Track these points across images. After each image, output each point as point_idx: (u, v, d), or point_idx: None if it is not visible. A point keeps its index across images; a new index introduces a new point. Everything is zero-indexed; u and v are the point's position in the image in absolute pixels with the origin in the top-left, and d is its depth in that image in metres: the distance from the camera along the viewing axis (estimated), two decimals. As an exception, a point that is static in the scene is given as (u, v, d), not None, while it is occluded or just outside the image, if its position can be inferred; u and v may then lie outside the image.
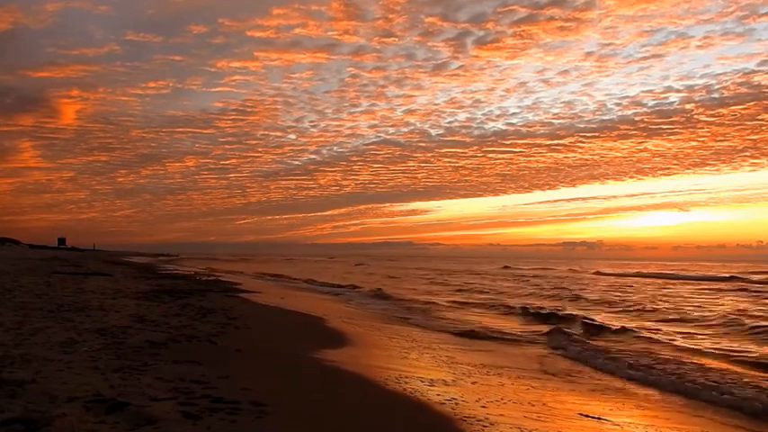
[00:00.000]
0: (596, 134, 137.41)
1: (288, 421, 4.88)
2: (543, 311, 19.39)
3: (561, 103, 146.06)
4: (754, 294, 28.91)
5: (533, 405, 6.90)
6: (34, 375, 5.64)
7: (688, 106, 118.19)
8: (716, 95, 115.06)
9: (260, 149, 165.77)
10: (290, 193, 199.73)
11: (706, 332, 15.36)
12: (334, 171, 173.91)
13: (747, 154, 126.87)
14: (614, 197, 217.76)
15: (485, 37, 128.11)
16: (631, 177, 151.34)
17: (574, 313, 18.95)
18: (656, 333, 14.70)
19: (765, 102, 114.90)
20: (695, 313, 19.32)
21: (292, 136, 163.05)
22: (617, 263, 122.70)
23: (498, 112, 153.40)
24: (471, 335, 14.21)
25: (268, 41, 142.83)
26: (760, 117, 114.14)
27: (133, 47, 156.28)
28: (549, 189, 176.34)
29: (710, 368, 10.24)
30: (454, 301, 23.96)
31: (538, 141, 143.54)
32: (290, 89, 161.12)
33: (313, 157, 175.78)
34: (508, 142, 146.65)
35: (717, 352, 11.96)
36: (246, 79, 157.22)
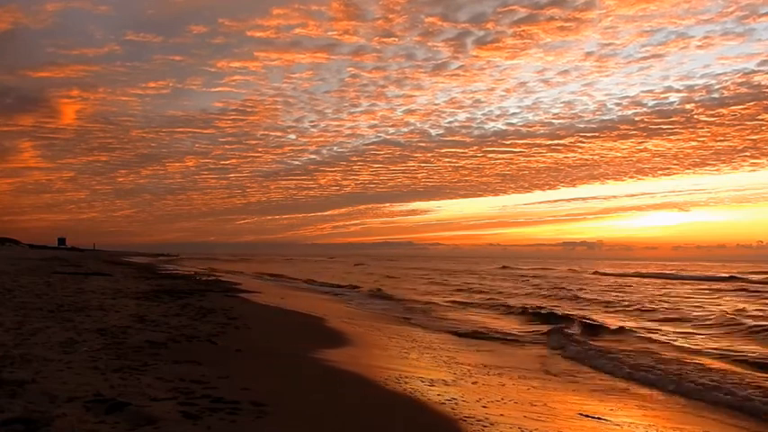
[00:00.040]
0: (596, 134, 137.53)
1: (288, 421, 4.88)
2: (542, 311, 19.40)
3: (561, 103, 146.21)
4: (754, 294, 28.93)
5: (533, 405, 6.90)
6: (34, 375, 5.64)
7: (688, 106, 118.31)
8: (716, 95, 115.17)
9: (260, 149, 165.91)
10: (290, 193, 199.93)
11: (705, 332, 15.38)
12: (334, 171, 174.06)
13: (747, 154, 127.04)
14: (614, 197, 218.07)
15: (485, 37, 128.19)
16: (631, 177, 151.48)
17: (572, 313, 18.95)
18: (654, 333, 14.71)
19: (765, 102, 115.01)
20: (694, 313, 19.34)
21: (292, 136, 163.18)
22: (617, 263, 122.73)
23: (498, 112, 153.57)
24: (471, 335, 14.22)
25: (268, 41, 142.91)
26: (760, 117, 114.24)
27: (133, 47, 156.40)
28: (549, 189, 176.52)
29: (710, 368, 10.25)
30: (453, 301, 23.98)
31: (538, 141, 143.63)
32: (290, 89, 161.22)
33: (313, 157, 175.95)
34: (508, 142, 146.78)
35: (716, 352, 11.98)
36: (246, 79, 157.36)
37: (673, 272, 59.84)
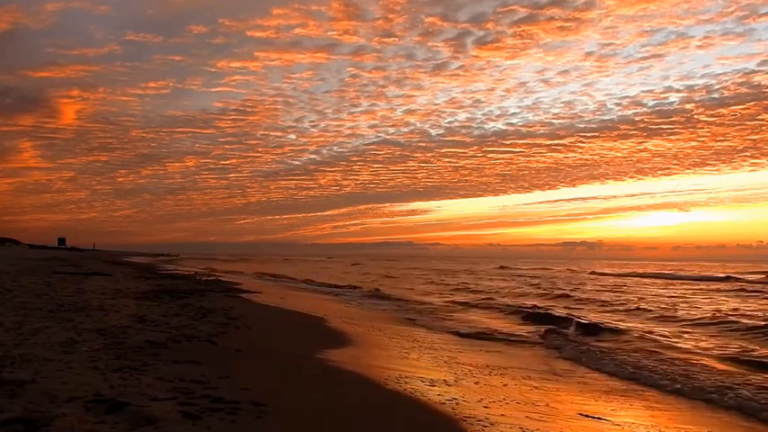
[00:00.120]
0: (596, 134, 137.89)
1: (288, 421, 4.88)
2: (540, 312, 19.39)
3: (561, 103, 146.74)
4: (750, 294, 28.95)
5: (533, 405, 6.90)
6: (34, 375, 5.64)
7: (688, 106, 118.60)
8: (716, 95, 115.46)
9: (260, 149, 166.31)
10: (290, 193, 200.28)
11: (701, 332, 15.39)
12: (334, 171, 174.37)
13: (747, 154, 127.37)
14: (614, 197, 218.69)
15: (485, 37, 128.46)
16: (631, 177, 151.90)
17: (570, 313, 18.95)
18: (652, 333, 14.71)
19: (765, 102, 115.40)
20: (690, 313, 19.35)
21: (292, 136, 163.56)
22: (616, 263, 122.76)
23: (498, 112, 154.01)
24: (470, 335, 14.22)
25: (268, 41, 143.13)
26: (760, 117, 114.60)
27: (133, 47, 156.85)
28: (549, 189, 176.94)
29: (709, 368, 10.25)
30: (451, 301, 24.00)
31: (538, 141, 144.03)
32: (290, 89, 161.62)
33: (313, 157, 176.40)
34: (508, 142, 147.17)
35: (714, 352, 11.98)
36: (246, 79, 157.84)
37: (670, 272, 59.83)
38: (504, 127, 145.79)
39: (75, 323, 9.68)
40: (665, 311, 20.08)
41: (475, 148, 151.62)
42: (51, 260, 47.24)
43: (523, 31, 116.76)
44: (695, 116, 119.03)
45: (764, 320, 16.51)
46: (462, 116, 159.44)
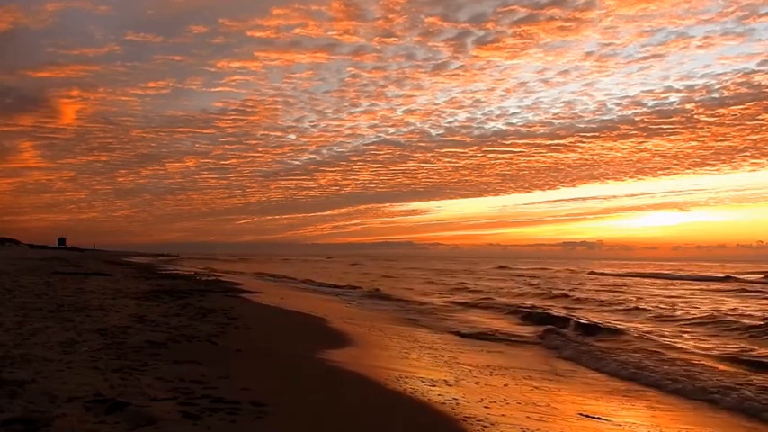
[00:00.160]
0: (596, 134, 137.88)
1: (288, 421, 4.88)
2: (539, 312, 19.37)
3: (561, 103, 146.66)
4: (751, 294, 28.95)
5: (533, 405, 6.90)
6: (34, 375, 5.64)
7: (688, 106, 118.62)
8: (716, 95, 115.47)
9: (260, 149, 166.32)
10: (290, 193, 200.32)
11: (701, 332, 15.38)
12: (334, 171, 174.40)
13: (747, 154, 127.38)
14: (614, 197, 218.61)
15: (485, 37, 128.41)
16: (631, 177, 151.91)
17: (569, 313, 18.95)
18: (651, 333, 14.72)
19: (765, 102, 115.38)
20: (690, 313, 19.34)
21: (292, 136, 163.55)
22: (616, 263, 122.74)
23: (498, 112, 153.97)
24: (470, 335, 14.22)
25: (268, 41, 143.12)
26: (760, 117, 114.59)
27: (133, 47, 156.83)
28: (549, 189, 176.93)
29: (709, 368, 10.25)
30: (450, 301, 23.99)
31: (538, 141, 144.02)
32: (290, 89, 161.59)
33: (313, 157, 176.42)
34: (508, 142, 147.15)
35: (714, 352, 11.97)
36: (246, 79, 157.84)
37: (670, 272, 59.80)
38: (504, 127, 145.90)
39: (75, 323, 9.68)
40: (665, 311, 20.08)
41: (475, 148, 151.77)
42: (51, 260, 47.24)
43: (523, 31, 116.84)
44: (695, 116, 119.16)
45: (764, 320, 16.50)
46: (462, 116, 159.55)
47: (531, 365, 10.47)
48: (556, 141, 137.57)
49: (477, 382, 8.07)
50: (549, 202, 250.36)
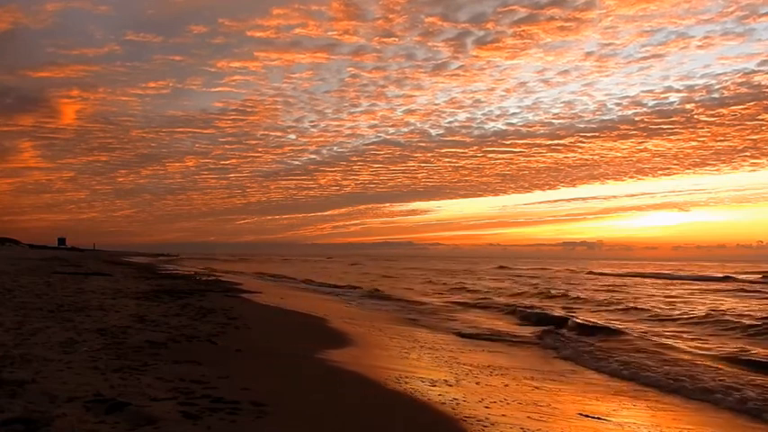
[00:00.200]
0: (596, 134, 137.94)
1: (288, 421, 4.88)
2: (538, 312, 19.37)
3: (561, 103, 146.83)
4: (749, 294, 28.96)
5: (534, 405, 6.90)
6: (34, 375, 5.64)
7: (688, 106, 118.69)
8: (716, 95, 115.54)
9: (260, 149, 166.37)
10: (290, 193, 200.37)
11: (700, 332, 15.39)
12: (334, 171, 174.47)
13: (747, 154, 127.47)
14: (614, 197, 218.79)
15: (485, 37, 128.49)
16: (631, 177, 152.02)
17: (568, 313, 18.97)
18: (650, 333, 14.74)
19: (765, 102, 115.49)
20: (689, 313, 19.33)
21: (292, 136, 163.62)
22: (616, 263, 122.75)
23: (498, 112, 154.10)
24: (469, 335, 14.23)
25: (268, 41, 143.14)
26: (760, 117, 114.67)
27: (133, 47, 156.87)
28: (549, 189, 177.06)
29: (709, 368, 10.25)
30: (450, 302, 24.00)
31: (538, 141, 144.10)
32: (290, 89, 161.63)
33: (313, 157, 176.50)
34: (508, 142, 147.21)
35: (713, 352, 11.97)
36: (246, 79, 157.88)
37: (669, 272, 59.80)
38: (504, 127, 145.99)
39: (75, 323, 9.68)
40: (663, 311, 20.09)
41: (475, 148, 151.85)
42: (51, 260, 47.24)
43: (523, 31, 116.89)
44: (695, 116, 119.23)
45: (762, 320, 16.51)
46: (462, 116, 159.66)
47: (531, 365, 10.47)
48: (556, 141, 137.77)
49: (477, 383, 8.07)
50: (549, 202, 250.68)
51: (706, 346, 12.92)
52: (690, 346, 12.65)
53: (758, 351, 12.01)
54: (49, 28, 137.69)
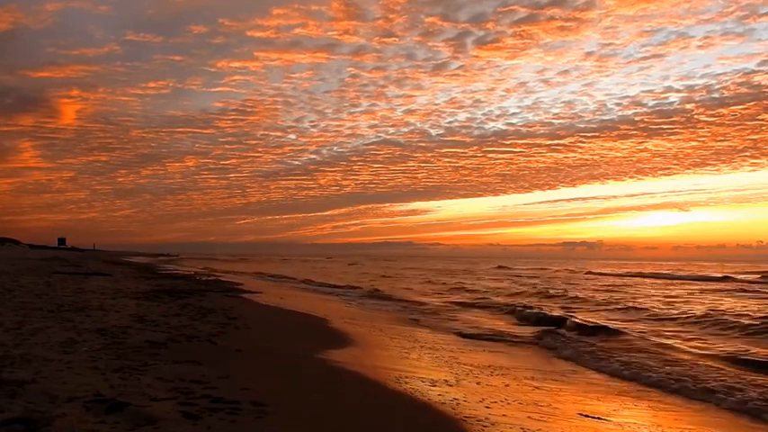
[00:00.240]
0: (596, 134, 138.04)
1: (288, 421, 4.88)
2: (537, 312, 19.34)
3: (561, 103, 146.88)
4: (747, 294, 28.96)
5: (534, 405, 6.90)
6: (34, 375, 5.64)
7: (688, 106, 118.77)
8: (716, 95, 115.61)
9: (260, 149, 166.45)
10: (290, 193, 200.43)
11: (699, 332, 15.38)
12: (334, 171, 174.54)
13: (747, 154, 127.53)
14: (614, 197, 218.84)
15: (485, 37, 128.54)
16: (631, 177, 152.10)
17: (567, 313, 18.96)
18: (648, 333, 14.74)
19: (765, 102, 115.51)
20: (687, 313, 19.31)
21: (292, 136, 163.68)
22: (615, 263, 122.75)
23: (498, 112, 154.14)
24: (469, 335, 14.23)
25: (268, 41, 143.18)
26: (760, 117, 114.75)
27: (133, 47, 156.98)
28: (549, 189, 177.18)
29: (708, 368, 10.25)
30: (449, 302, 24.01)
31: (538, 141, 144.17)
32: (290, 89, 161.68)
33: (313, 157, 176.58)
34: (508, 142, 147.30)
35: (712, 352, 11.97)
36: (246, 79, 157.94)
37: (667, 272, 59.80)
38: (504, 127, 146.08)
39: (75, 323, 9.68)
40: (662, 311, 20.07)
41: (475, 148, 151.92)
42: (51, 260, 47.23)
43: (523, 31, 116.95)
44: (695, 116, 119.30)
45: (762, 320, 16.51)
46: (462, 116, 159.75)
47: (532, 365, 10.47)
48: (556, 141, 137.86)
49: (478, 383, 8.07)
50: (549, 202, 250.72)
51: (706, 346, 12.92)
52: (690, 347, 12.64)
53: (758, 351, 12.01)
54: (49, 28, 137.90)
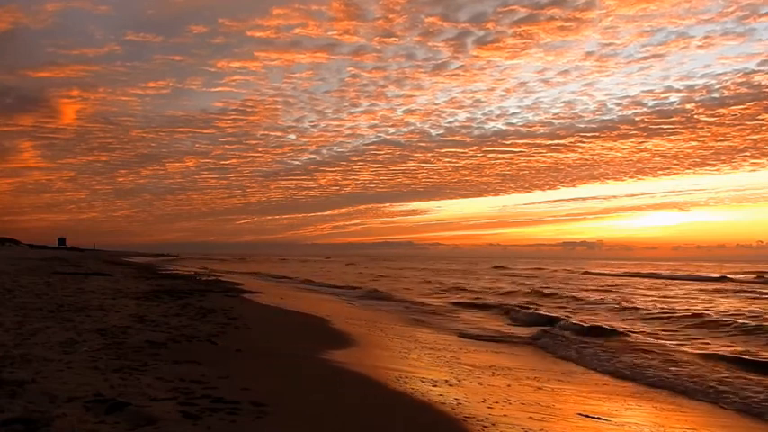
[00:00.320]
0: (596, 134, 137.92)
1: (288, 421, 4.88)
2: (535, 312, 19.32)
3: (561, 103, 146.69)
4: (743, 295, 28.95)
5: (534, 405, 6.90)
6: (34, 375, 5.64)
7: (688, 106, 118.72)
8: (716, 95, 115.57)
9: (260, 149, 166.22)
10: (290, 193, 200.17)
11: (696, 332, 15.37)
12: (334, 171, 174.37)
13: (747, 154, 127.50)
14: (614, 197, 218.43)
15: (485, 37, 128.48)
16: (631, 177, 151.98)
17: (564, 313, 18.98)
18: (645, 333, 14.78)
19: (765, 102, 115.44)
20: (683, 313, 19.27)
21: (292, 136, 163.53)
22: (615, 263, 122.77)
23: (498, 112, 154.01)
24: (468, 335, 14.24)
25: (268, 41, 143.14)
26: (760, 117, 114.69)
27: (133, 47, 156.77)
28: (549, 189, 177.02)
29: (707, 368, 10.24)
30: (449, 302, 24.00)
31: (538, 141, 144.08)
32: (290, 89, 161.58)
33: (313, 157, 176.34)
34: (508, 142, 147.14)
35: (710, 351, 11.95)
36: (246, 79, 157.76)
37: (665, 272, 59.80)
38: (504, 127, 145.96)
39: (75, 323, 9.68)
40: (660, 311, 20.06)
41: (475, 148, 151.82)
42: (51, 260, 47.23)
43: (523, 31, 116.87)
44: (695, 116, 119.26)
45: (756, 320, 16.53)
46: (462, 116, 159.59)
47: (532, 365, 10.47)
48: (556, 141, 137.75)
49: (480, 383, 8.07)
50: (549, 202, 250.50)
51: (702, 345, 12.92)
52: (688, 346, 12.64)
53: (757, 351, 12.03)
54: (49, 28, 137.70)
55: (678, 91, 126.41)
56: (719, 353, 11.75)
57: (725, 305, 22.68)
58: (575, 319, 16.78)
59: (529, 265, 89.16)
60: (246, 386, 5.85)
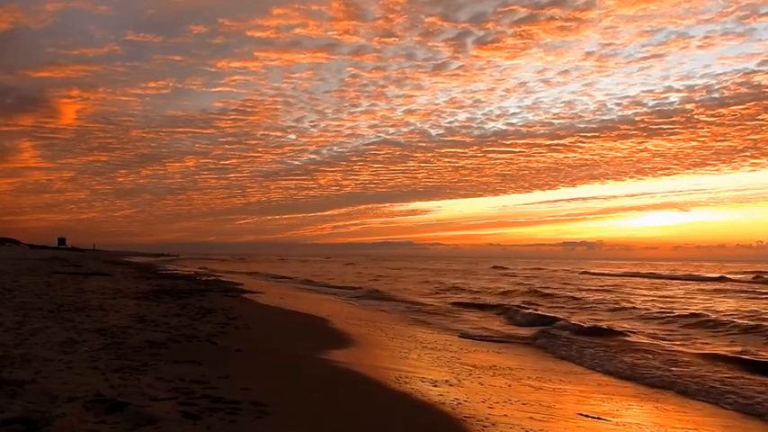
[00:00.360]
0: (596, 134, 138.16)
1: (288, 421, 4.88)
2: (533, 312, 19.31)
3: (561, 103, 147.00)
4: (741, 295, 28.97)
5: (534, 405, 6.90)
6: (34, 375, 5.64)
7: (688, 106, 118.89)
8: (716, 95, 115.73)
9: (260, 149, 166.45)
10: (290, 193, 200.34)
11: (695, 332, 15.37)
12: (334, 171, 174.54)
13: (747, 154, 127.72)
14: (614, 197, 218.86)
15: (485, 37, 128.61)
16: (631, 177, 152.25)
17: (562, 314, 18.97)
18: (644, 333, 14.77)
19: (765, 102, 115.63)
20: (681, 313, 19.25)
21: (292, 136, 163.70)
22: (615, 263, 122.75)
23: (498, 112, 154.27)
24: (469, 335, 14.23)
25: (268, 41, 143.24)
26: (760, 117, 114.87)
27: (133, 47, 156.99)
28: (549, 189, 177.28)
29: (707, 368, 10.24)
30: (448, 302, 24.00)
31: (538, 141, 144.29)
32: (290, 89, 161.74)
33: (313, 157, 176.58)
34: (508, 142, 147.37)
35: (709, 351, 11.95)
36: (246, 79, 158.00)
37: (664, 272, 59.81)
38: (504, 127, 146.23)
39: (75, 323, 9.68)
40: (658, 311, 20.05)
41: (475, 148, 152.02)
42: (51, 260, 47.22)
43: (524, 31, 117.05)
44: (695, 116, 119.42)
45: (756, 320, 16.53)
46: (462, 116, 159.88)
47: (530, 365, 10.47)
48: (556, 141, 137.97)
49: (480, 383, 8.07)
50: (549, 202, 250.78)
51: (703, 345, 12.93)
52: (688, 346, 12.64)
53: (756, 351, 12.02)
54: (49, 28, 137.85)
55: (678, 91, 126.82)
56: (719, 353, 11.75)
57: (724, 305, 22.69)
58: (574, 320, 16.76)
59: (529, 265, 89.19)
60: (246, 386, 5.85)
